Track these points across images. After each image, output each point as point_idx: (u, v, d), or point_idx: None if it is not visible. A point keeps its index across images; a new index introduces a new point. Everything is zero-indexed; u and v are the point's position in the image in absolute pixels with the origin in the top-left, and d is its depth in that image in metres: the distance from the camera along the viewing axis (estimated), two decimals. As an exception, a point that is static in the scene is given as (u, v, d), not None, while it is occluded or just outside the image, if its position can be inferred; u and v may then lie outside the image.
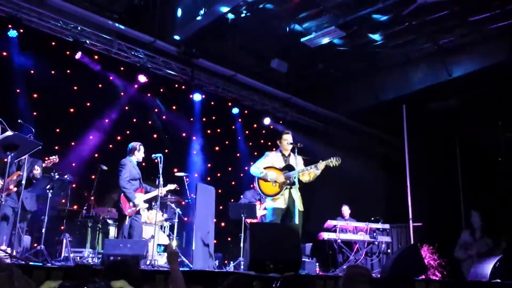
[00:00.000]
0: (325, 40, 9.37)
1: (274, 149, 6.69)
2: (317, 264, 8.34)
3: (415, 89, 10.46)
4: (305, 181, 6.21)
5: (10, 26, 7.71)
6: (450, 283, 4.76)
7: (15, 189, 6.14)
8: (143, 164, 7.14)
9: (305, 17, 9.18)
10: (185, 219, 8.36)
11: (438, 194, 10.75)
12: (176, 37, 9.26)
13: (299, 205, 5.98)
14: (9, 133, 5.31)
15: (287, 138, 6.29)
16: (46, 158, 6.36)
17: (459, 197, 10.40)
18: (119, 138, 9.32)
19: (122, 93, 9.58)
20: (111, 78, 9.36)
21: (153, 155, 7.05)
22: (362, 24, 9.13)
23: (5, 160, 5.37)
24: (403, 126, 8.89)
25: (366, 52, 10.38)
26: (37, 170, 6.33)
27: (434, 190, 10.81)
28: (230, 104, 11.02)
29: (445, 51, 9.89)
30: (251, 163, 6.26)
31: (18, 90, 8.18)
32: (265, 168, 6.12)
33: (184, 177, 7.53)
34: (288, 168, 6.14)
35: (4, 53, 8.06)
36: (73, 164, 8.38)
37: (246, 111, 11.42)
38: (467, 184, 10.43)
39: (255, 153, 8.97)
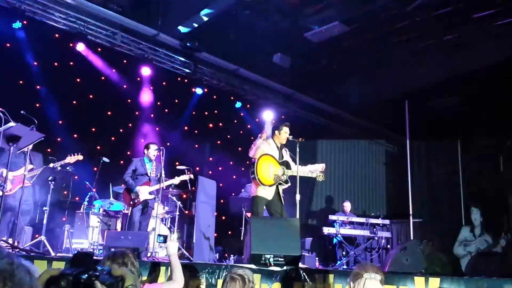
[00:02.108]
0: (328, 35, 9.34)
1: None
2: (317, 258, 8.37)
3: (418, 86, 10.43)
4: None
5: (14, 17, 7.72)
6: (449, 279, 4.77)
7: (30, 183, 6.07)
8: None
9: (308, 12, 9.16)
10: (186, 212, 8.40)
11: (439, 190, 10.77)
12: (181, 28, 9.23)
13: (282, 200, 6.02)
14: (11, 124, 5.32)
15: (287, 130, 6.25)
16: (70, 155, 6.40)
17: (459, 193, 10.41)
18: (121, 130, 9.36)
19: (124, 86, 9.60)
20: (114, 70, 9.39)
21: (155, 148, 7.15)
22: (366, 19, 9.10)
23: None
24: (405, 122, 8.89)
25: (370, 47, 10.35)
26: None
27: (435, 186, 10.82)
28: (232, 98, 11.03)
29: (449, 48, 9.85)
30: (253, 159, 6.15)
31: (21, 82, 8.22)
32: (264, 155, 6.06)
33: (186, 171, 7.57)
34: (285, 165, 6.11)
35: (8, 45, 8.08)
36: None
37: (248, 105, 11.42)
38: (468, 181, 10.44)
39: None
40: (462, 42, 9.66)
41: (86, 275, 1.57)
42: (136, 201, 6.92)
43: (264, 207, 6.06)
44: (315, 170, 6.21)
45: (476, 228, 7.66)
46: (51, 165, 6.21)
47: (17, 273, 1.42)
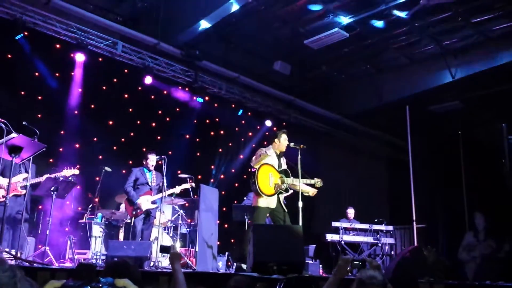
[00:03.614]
0: (328, 42, 9.36)
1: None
2: (321, 265, 8.33)
3: (418, 91, 10.44)
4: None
5: (15, 28, 7.75)
6: (454, 285, 4.74)
7: (23, 191, 6.10)
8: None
9: (308, 19, 9.19)
10: (189, 220, 8.38)
11: (442, 195, 10.73)
12: (181, 37, 9.27)
13: (284, 207, 6.00)
14: (13, 135, 5.32)
15: (286, 137, 6.23)
16: (67, 168, 6.41)
17: (462, 198, 10.37)
18: (123, 140, 9.37)
19: (126, 95, 9.62)
20: (115, 80, 9.41)
21: (156, 157, 7.15)
22: (365, 25, 9.13)
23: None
24: (407, 127, 8.87)
25: (370, 53, 10.38)
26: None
27: (438, 191, 10.78)
28: (233, 106, 11.04)
29: (448, 53, 9.87)
30: (253, 169, 6.12)
31: (22, 92, 8.24)
32: (264, 165, 6.06)
33: (188, 179, 7.55)
34: (284, 173, 6.10)
35: (9, 56, 8.11)
36: (77, 166, 8.42)
37: (249, 113, 11.42)
38: (471, 186, 10.40)
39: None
40: (462, 46, 9.68)
41: (89, 287, 1.57)
42: (138, 211, 6.91)
43: (267, 215, 6.05)
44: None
45: (480, 233, 7.62)
46: (48, 176, 6.20)
47: (20, 286, 1.42)
